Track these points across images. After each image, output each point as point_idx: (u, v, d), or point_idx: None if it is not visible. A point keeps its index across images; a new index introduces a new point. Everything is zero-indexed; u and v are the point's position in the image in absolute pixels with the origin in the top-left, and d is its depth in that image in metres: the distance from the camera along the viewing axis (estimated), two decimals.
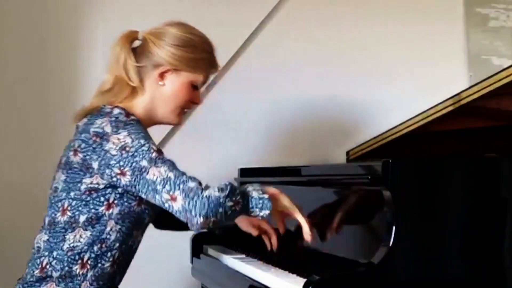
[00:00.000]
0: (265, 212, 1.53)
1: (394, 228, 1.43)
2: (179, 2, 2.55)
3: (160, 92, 1.65)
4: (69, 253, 1.54)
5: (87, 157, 1.53)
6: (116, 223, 1.56)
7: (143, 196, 1.52)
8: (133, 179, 1.50)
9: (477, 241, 1.51)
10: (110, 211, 1.55)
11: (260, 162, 2.48)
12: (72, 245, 1.54)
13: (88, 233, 1.54)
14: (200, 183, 1.51)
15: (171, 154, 2.52)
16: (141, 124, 1.59)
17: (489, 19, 2.90)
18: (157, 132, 2.49)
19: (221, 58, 2.55)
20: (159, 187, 1.48)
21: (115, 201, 1.55)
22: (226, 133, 2.60)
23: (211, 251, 2.08)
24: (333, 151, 2.60)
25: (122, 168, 1.50)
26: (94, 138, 1.53)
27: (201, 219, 1.46)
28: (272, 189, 1.59)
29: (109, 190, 1.54)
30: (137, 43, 1.67)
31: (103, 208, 1.55)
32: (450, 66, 2.83)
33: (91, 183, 1.54)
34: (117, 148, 1.50)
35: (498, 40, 2.88)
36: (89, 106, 1.64)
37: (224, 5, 2.60)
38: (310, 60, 2.69)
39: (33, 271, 1.55)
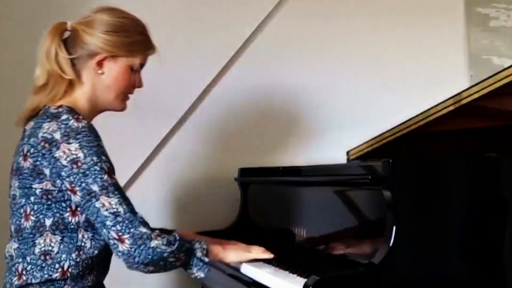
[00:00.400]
0: (201, 275, 1.58)
1: (394, 228, 1.43)
2: (179, 2, 2.55)
3: (100, 81, 1.62)
4: (43, 258, 1.51)
5: (37, 162, 1.51)
6: (86, 230, 1.54)
7: (91, 221, 1.51)
8: (83, 202, 1.49)
9: (477, 241, 1.51)
10: (76, 219, 1.53)
11: (260, 162, 2.48)
12: (43, 249, 1.52)
13: (58, 237, 1.52)
14: (150, 228, 1.51)
15: (172, 154, 2.56)
16: (92, 129, 1.54)
17: (490, 19, 2.90)
18: (157, 132, 2.52)
19: (222, 58, 2.60)
20: (108, 223, 1.47)
21: (78, 209, 1.53)
22: (226, 133, 2.60)
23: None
24: (334, 151, 2.59)
25: (72, 185, 1.48)
26: (42, 144, 1.50)
27: (141, 267, 1.50)
28: (216, 252, 1.65)
29: (66, 196, 1.52)
30: (67, 34, 1.63)
31: (68, 214, 1.53)
32: (451, 65, 2.82)
33: (43, 188, 1.52)
34: (68, 159, 1.48)
35: (498, 40, 2.88)
36: (29, 106, 1.60)
37: (224, 5, 2.59)
38: (310, 60, 2.69)
39: (12, 280, 1.53)
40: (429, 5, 2.81)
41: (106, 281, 1.71)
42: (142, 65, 1.69)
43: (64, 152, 1.48)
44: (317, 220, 1.79)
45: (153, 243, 1.48)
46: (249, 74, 2.62)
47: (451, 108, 1.84)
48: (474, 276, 1.50)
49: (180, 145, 2.54)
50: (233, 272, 1.77)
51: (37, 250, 1.52)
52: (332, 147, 2.63)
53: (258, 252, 1.69)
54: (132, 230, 1.47)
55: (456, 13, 2.86)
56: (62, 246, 1.52)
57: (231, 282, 1.77)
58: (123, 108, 1.71)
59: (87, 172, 1.48)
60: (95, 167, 1.48)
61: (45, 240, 1.52)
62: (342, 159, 2.48)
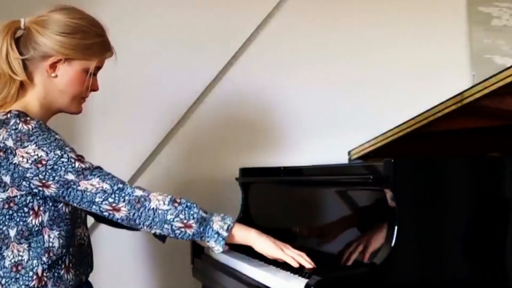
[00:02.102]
0: (218, 249, 1.50)
1: (396, 228, 1.42)
2: (179, 3, 2.55)
3: (53, 84, 1.54)
4: (14, 269, 1.47)
5: None
6: (51, 229, 1.50)
7: (75, 205, 1.47)
8: (60, 192, 1.44)
9: (480, 241, 1.51)
10: (39, 219, 1.48)
11: (261, 162, 2.48)
12: (13, 260, 1.47)
13: (25, 246, 1.48)
14: (145, 191, 1.46)
15: (172, 154, 2.56)
16: (44, 127, 1.48)
17: (492, 18, 2.89)
18: (158, 132, 2.51)
19: (222, 58, 2.59)
20: (97, 199, 1.44)
21: (41, 208, 1.48)
22: (227, 133, 2.59)
23: (212, 252, 2.07)
24: (335, 151, 2.59)
25: (43, 180, 1.43)
26: None
27: (144, 228, 1.45)
28: (246, 233, 1.55)
29: (29, 198, 1.47)
30: (19, 33, 1.55)
31: (30, 218, 1.48)
32: (453, 65, 2.82)
33: (8, 197, 1.47)
34: (30, 161, 1.43)
35: (501, 39, 2.88)
36: None
37: (225, 5, 2.59)
38: (312, 59, 2.68)
39: None
40: (431, 4, 2.81)
41: (105, 281, 1.70)
42: (99, 68, 1.60)
43: (22, 156, 1.43)
44: (319, 220, 1.79)
45: (153, 204, 1.44)
46: (251, 74, 2.62)
47: (453, 107, 1.84)
48: (477, 276, 1.50)
49: (181, 145, 2.54)
50: (234, 272, 1.76)
51: (7, 263, 1.48)
52: (333, 147, 2.62)
53: (292, 254, 1.55)
54: (126, 197, 1.44)
55: (458, 12, 2.85)
56: (31, 253, 1.48)
57: (232, 282, 1.77)
58: (78, 111, 1.63)
59: (55, 166, 1.43)
60: (62, 159, 1.44)
61: (12, 251, 1.48)
62: (343, 159, 2.48)
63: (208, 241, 1.50)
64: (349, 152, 2.45)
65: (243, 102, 2.62)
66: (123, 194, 1.45)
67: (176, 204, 1.47)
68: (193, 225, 1.48)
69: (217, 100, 2.58)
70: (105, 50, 1.60)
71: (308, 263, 1.55)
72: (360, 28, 2.74)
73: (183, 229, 1.47)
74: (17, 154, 1.43)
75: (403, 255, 1.43)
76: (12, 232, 1.48)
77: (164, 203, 1.46)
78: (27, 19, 1.55)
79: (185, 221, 1.47)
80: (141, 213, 1.44)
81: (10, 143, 1.44)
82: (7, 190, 1.47)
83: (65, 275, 1.52)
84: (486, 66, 2.79)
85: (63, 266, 1.51)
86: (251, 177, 2.29)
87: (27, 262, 1.48)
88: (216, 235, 1.50)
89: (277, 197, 2.10)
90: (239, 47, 2.60)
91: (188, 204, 1.49)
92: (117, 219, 1.46)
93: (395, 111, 2.52)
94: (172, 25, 2.52)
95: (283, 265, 1.63)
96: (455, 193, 1.52)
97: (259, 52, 2.63)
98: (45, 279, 1.48)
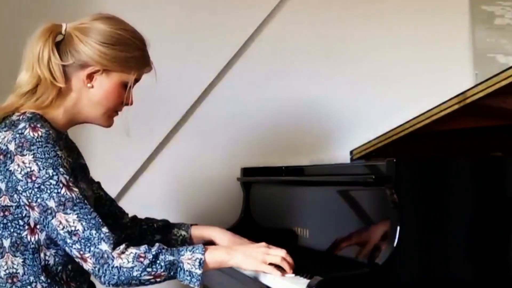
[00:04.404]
0: (194, 286, 1.43)
1: (398, 228, 1.42)
2: (180, 3, 2.54)
3: (88, 95, 1.51)
4: (10, 281, 1.44)
5: None
6: (48, 247, 1.45)
7: (53, 238, 1.42)
8: (41, 219, 1.40)
9: (482, 241, 1.50)
10: (36, 237, 1.44)
11: (263, 161, 2.47)
12: (8, 271, 1.44)
13: (20, 260, 1.44)
14: (113, 244, 1.39)
15: (174, 154, 2.55)
16: (50, 141, 1.42)
17: (495, 16, 2.88)
18: (158, 132, 2.51)
19: (223, 57, 2.59)
20: (69, 241, 1.39)
21: (37, 226, 1.44)
22: (229, 132, 2.59)
23: None
24: (337, 151, 2.58)
25: (29, 200, 1.40)
26: None
27: (110, 286, 1.39)
28: (220, 259, 1.46)
29: (24, 212, 1.43)
30: (59, 38, 1.52)
31: (26, 233, 1.44)
32: (456, 64, 2.81)
33: (0, 204, 1.43)
34: (22, 173, 1.39)
35: (504, 38, 2.87)
36: (5, 106, 1.49)
37: (226, 5, 2.58)
38: (314, 59, 2.68)
39: None
40: (434, 3, 2.80)
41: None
42: (136, 82, 1.57)
43: (18, 165, 1.39)
44: (320, 220, 1.78)
45: (116, 262, 1.37)
46: (252, 74, 2.62)
47: (456, 107, 1.83)
48: (479, 277, 1.49)
49: (182, 145, 2.53)
50: (234, 272, 1.75)
51: (2, 273, 1.45)
52: (335, 147, 2.62)
53: (275, 259, 1.48)
54: (92, 248, 1.38)
55: (461, 11, 2.84)
56: (26, 269, 1.44)
57: (232, 283, 1.76)
58: (109, 125, 1.59)
59: (42, 186, 1.39)
60: (51, 180, 1.39)
61: (6, 262, 1.44)
62: (345, 158, 2.47)
63: (182, 282, 1.44)
64: (351, 152, 2.45)
65: (244, 101, 2.62)
66: (89, 245, 1.38)
67: (142, 259, 1.39)
68: (162, 273, 1.40)
69: (218, 99, 2.58)
70: (145, 64, 1.56)
71: (289, 268, 1.49)
72: (362, 27, 2.74)
73: (153, 280, 1.41)
74: (15, 160, 1.40)
75: (405, 255, 1.43)
76: (6, 243, 1.44)
77: (128, 261, 1.38)
78: (69, 24, 1.52)
79: (153, 273, 1.39)
80: (105, 270, 1.37)
81: (12, 147, 1.41)
82: (1, 197, 1.43)
83: None
84: (489, 65, 2.78)
85: (62, 282, 1.48)
86: (252, 177, 2.29)
87: (22, 276, 1.45)
88: (189, 277, 1.42)
89: (279, 197, 2.09)
90: (241, 46, 2.59)
91: (154, 253, 1.40)
92: (88, 269, 1.40)
93: (397, 110, 2.52)
94: (172, 24, 2.51)
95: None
96: (457, 193, 1.51)
97: (261, 51, 2.63)
98: None
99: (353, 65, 2.71)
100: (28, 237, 1.44)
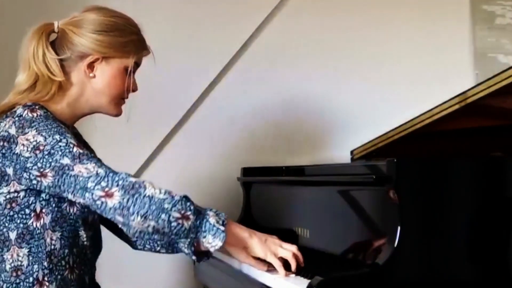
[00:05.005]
0: (218, 243, 1.39)
1: (399, 228, 1.42)
2: (179, 3, 2.54)
3: (92, 85, 1.53)
4: (14, 274, 1.44)
5: (0, 164, 1.43)
6: (54, 230, 1.45)
7: (70, 196, 1.39)
8: (56, 180, 1.38)
9: (483, 241, 1.50)
10: (41, 222, 1.44)
11: (263, 161, 2.47)
12: (13, 265, 1.44)
13: (25, 250, 1.43)
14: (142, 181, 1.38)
15: (174, 153, 2.55)
16: (50, 118, 1.44)
17: (496, 16, 2.88)
18: (158, 131, 2.51)
19: (224, 56, 2.59)
20: (90, 184, 1.35)
21: (43, 210, 1.44)
22: (229, 132, 2.59)
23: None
24: (337, 150, 2.58)
25: (41, 169, 1.38)
26: (1, 144, 1.42)
27: (138, 218, 1.32)
28: (241, 235, 1.47)
29: (31, 199, 1.43)
30: (53, 36, 1.54)
31: (31, 220, 1.43)
32: (456, 64, 2.81)
33: (9, 192, 1.43)
34: (29, 149, 1.38)
35: (504, 38, 2.87)
36: (4, 103, 1.50)
37: (225, 5, 2.58)
38: (314, 58, 2.68)
39: None
40: (434, 3, 2.80)
41: (107, 282, 1.70)
42: (137, 67, 1.59)
43: (23, 144, 1.39)
44: (321, 220, 1.78)
45: (148, 191, 1.35)
46: (253, 73, 2.62)
47: (456, 107, 1.83)
48: (480, 277, 1.49)
49: (182, 144, 2.54)
50: (235, 272, 1.75)
51: (7, 266, 1.44)
52: (336, 146, 2.62)
53: (286, 253, 1.49)
54: (120, 182, 1.35)
55: (462, 11, 2.84)
56: (31, 258, 1.44)
57: (232, 283, 1.76)
58: (118, 113, 1.60)
59: (52, 151, 1.38)
60: (60, 143, 1.39)
61: (12, 255, 1.44)
62: (346, 158, 2.47)
63: (204, 236, 1.39)
64: (351, 152, 2.45)
65: (244, 101, 2.62)
66: (116, 179, 1.36)
67: (173, 194, 1.38)
68: (191, 216, 1.37)
69: (218, 99, 2.58)
70: (142, 47, 1.58)
71: (295, 265, 1.49)
72: (362, 27, 2.74)
73: (180, 221, 1.35)
74: (19, 142, 1.40)
75: (406, 255, 1.42)
76: (13, 235, 1.44)
77: (160, 192, 1.36)
78: (60, 21, 1.54)
79: (182, 212, 1.35)
80: (136, 199, 1.33)
81: (12, 130, 1.41)
82: (10, 183, 1.44)
83: (69, 276, 1.48)
84: (490, 65, 2.78)
85: (67, 267, 1.48)
86: (252, 177, 2.29)
87: (26, 267, 1.44)
88: (213, 230, 1.38)
89: (279, 197, 2.09)
90: (241, 46, 2.59)
91: (183, 195, 1.40)
92: (109, 208, 1.34)
93: (398, 110, 2.52)
94: (172, 25, 2.51)
95: (285, 266, 1.62)
96: (458, 193, 1.51)
97: (261, 51, 2.63)
98: (47, 283, 1.44)
99: (354, 65, 2.71)
100: (34, 223, 1.44)
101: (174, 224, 1.36)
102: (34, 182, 1.41)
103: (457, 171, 1.52)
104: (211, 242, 1.40)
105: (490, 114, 1.97)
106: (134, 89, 1.60)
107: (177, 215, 1.36)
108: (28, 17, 2.37)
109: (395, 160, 1.46)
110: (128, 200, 1.34)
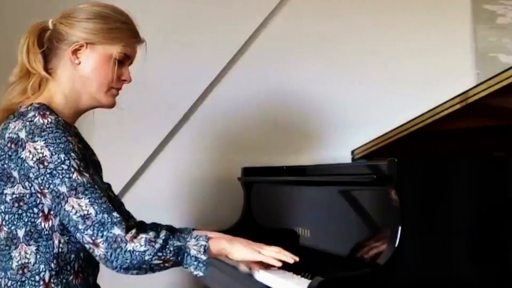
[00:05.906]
0: (199, 274, 1.46)
1: (400, 228, 1.42)
2: (180, 2, 2.54)
3: (78, 72, 1.53)
4: (21, 272, 1.45)
5: (5, 165, 1.44)
6: (62, 234, 1.46)
7: (65, 224, 1.44)
8: (53, 206, 1.42)
9: (484, 241, 1.50)
10: (50, 223, 1.45)
11: (264, 161, 2.47)
12: (20, 262, 1.45)
13: (33, 248, 1.45)
14: (126, 229, 1.41)
15: (175, 153, 2.55)
16: (60, 127, 1.45)
17: (497, 16, 2.87)
18: (159, 131, 2.51)
19: (226, 54, 2.58)
20: (80, 227, 1.40)
21: (51, 212, 1.45)
22: (230, 132, 2.59)
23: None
24: (338, 150, 2.58)
25: (41, 187, 1.42)
26: (9, 145, 1.43)
27: (122, 271, 1.41)
28: (221, 247, 1.50)
29: (38, 200, 1.45)
30: (48, 33, 1.56)
31: (40, 220, 1.45)
32: (457, 63, 2.80)
33: (13, 193, 1.45)
34: (34, 159, 1.41)
35: (506, 37, 2.86)
36: (3, 106, 1.53)
37: (227, 3, 2.58)
38: (315, 58, 2.68)
39: None
40: (435, 2, 2.79)
41: (108, 282, 1.69)
42: (127, 57, 1.58)
43: (30, 151, 1.41)
44: (321, 220, 1.78)
45: (130, 246, 1.39)
46: (253, 73, 2.61)
47: (458, 106, 1.83)
48: (481, 277, 1.49)
49: (183, 144, 2.53)
50: (235, 272, 1.75)
51: (14, 264, 1.45)
52: (336, 146, 2.62)
53: (269, 253, 1.53)
54: (105, 233, 1.39)
55: (463, 10, 2.84)
56: (38, 256, 1.45)
57: (233, 283, 1.76)
58: (111, 104, 1.59)
59: (54, 172, 1.41)
60: (62, 165, 1.41)
61: (20, 253, 1.45)
62: (347, 158, 2.47)
63: (186, 267, 1.46)
64: (352, 152, 2.45)
65: (246, 101, 2.61)
66: (102, 229, 1.40)
67: (153, 243, 1.42)
68: (171, 258, 1.44)
69: (219, 99, 2.58)
70: (130, 36, 1.57)
71: (289, 258, 1.52)
72: (363, 27, 2.73)
73: (162, 264, 1.43)
74: (26, 147, 1.42)
75: (407, 256, 1.42)
76: (21, 233, 1.45)
77: (141, 245, 1.40)
78: (55, 18, 1.57)
79: (163, 257, 1.42)
80: (118, 254, 1.39)
81: (22, 134, 1.43)
82: (15, 185, 1.45)
83: (74, 281, 1.49)
84: (491, 65, 2.77)
85: (72, 272, 1.49)
86: (253, 177, 2.29)
87: (33, 265, 1.45)
88: (195, 262, 1.45)
89: (280, 197, 2.09)
90: (241, 46, 2.59)
91: (163, 238, 1.43)
92: (96, 256, 1.41)
93: (399, 110, 2.52)
94: (172, 23, 2.51)
95: (286, 266, 1.62)
96: (459, 193, 1.51)
97: (261, 51, 2.63)
98: (53, 285, 1.45)
99: (355, 65, 2.71)
100: (42, 223, 1.46)
101: (156, 268, 1.44)
102: (37, 195, 1.44)
103: (458, 171, 1.52)
104: (194, 271, 1.47)
105: (491, 114, 1.97)
106: (126, 80, 1.59)
107: (158, 261, 1.43)
108: (28, 17, 2.39)
109: (396, 160, 1.46)
110: (111, 254, 1.40)
